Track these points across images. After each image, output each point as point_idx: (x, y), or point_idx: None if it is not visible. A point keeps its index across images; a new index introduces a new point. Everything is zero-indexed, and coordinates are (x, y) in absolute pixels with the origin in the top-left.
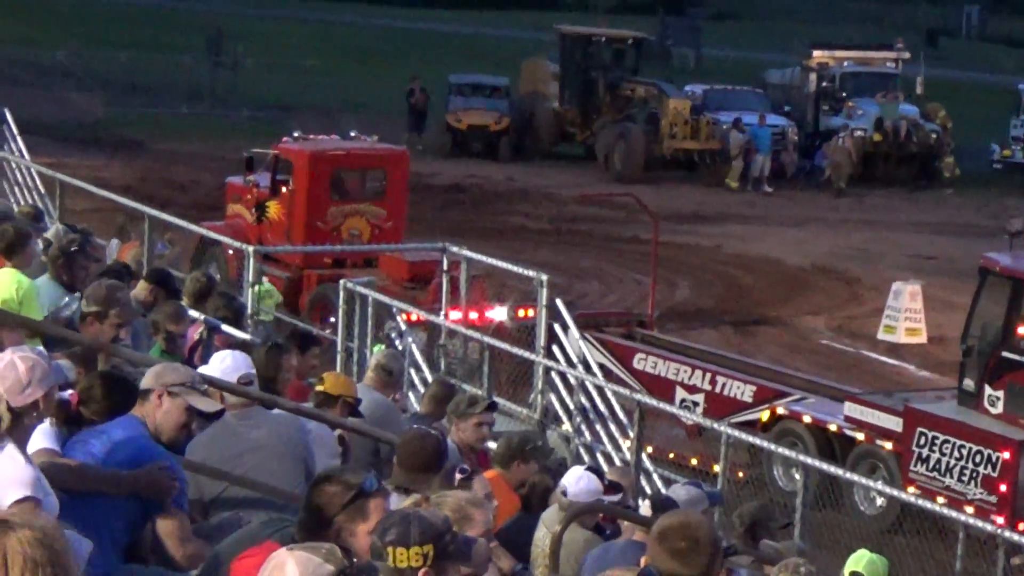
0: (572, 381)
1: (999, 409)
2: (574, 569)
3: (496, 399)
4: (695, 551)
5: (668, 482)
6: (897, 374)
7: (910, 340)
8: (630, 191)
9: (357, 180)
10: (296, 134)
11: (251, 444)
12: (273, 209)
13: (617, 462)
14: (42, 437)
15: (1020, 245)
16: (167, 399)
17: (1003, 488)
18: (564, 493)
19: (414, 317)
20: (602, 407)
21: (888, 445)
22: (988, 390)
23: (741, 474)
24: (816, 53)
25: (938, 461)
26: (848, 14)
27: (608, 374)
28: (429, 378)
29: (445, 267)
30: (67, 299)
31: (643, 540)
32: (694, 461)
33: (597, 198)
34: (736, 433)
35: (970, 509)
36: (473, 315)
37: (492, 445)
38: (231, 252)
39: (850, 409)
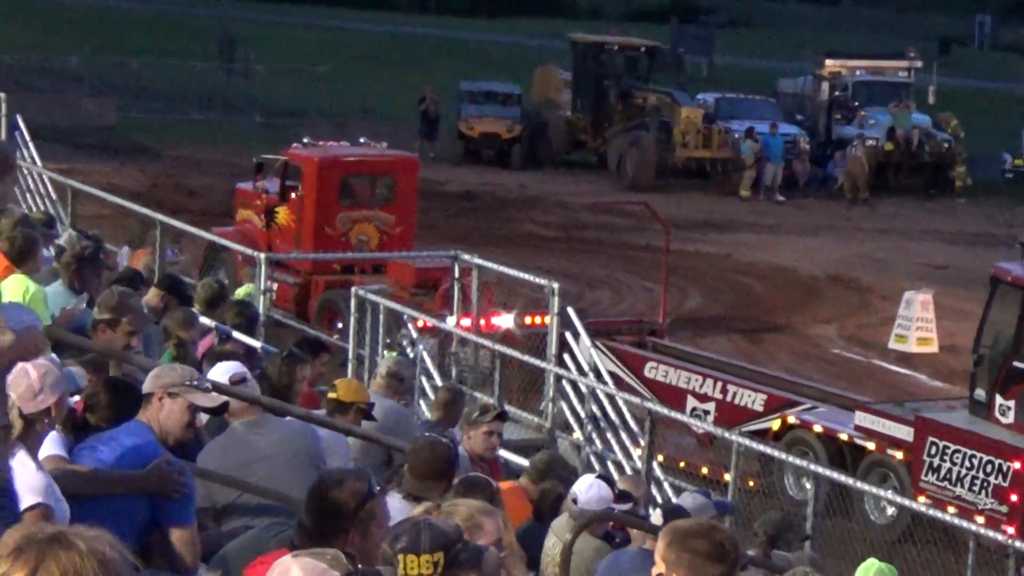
0: (583, 389)
1: (1010, 419)
2: None
3: (507, 407)
4: (720, 557)
5: (679, 491)
6: (908, 383)
7: (921, 349)
8: (642, 199)
9: (366, 186)
10: (305, 140)
11: (261, 453)
12: (282, 215)
13: (628, 471)
14: (50, 444)
15: None
16: (168, 400)
17: (1014, 498)
18: (575, 501)
19: (428, 324)
20: (613, 416)
21: (899, 454)
22: (999, 400)
23: (752, 483)
24: (828, 62)
25: (949, 471)
26: (861, 23)
27: (619, 382)
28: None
29: (457, 274)
30: (74, 300)
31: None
32: (705, 470)
33: (609, 206)
34: (747, 442)
35: (981, 519)
36: (480, 321)
37: (503, 453)
38: (240, 258)
39: (861, 418)
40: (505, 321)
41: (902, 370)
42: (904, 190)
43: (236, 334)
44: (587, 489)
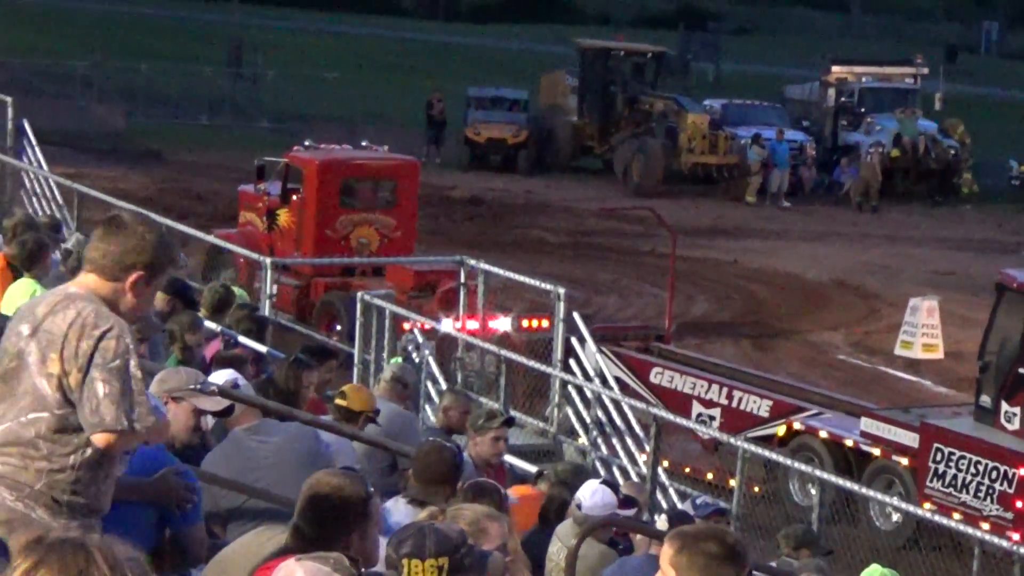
0: (589, 395)
1: (1016, 425)
2: None
3: (513, 412)
4: (733, 558)
5: (684, 496)
6: (914, 390)
7: (927, 356)
8: (648, 205)
9: (367, 189)
10: (307, 143)
11: (265, 458)
12: (283, 217)
13: (633, 476)
14: None
15: None
16: (172, 405)
17: (1019, 504)
18: (579, 507)
19: (427, 327)
20: (619, 421)
21: (904, 461)
22: (1005, 406)
23: (757, 489)
24: (835, 68)
25: (954, 477)
26: (867, 30)
27: (625, 388)
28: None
29: (463, 279)
30: None
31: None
32: (710, 476)
33: (615, 212)
34: (752, 448)
35: (986, 525)
36: (475, 324)
37: (508, 459)
38: (243, 259)
39: (866, 424)
40: (502, 324)
41: (908, 376)
42: (911, 197)
43: (243, 339)
44: (591, 495)
